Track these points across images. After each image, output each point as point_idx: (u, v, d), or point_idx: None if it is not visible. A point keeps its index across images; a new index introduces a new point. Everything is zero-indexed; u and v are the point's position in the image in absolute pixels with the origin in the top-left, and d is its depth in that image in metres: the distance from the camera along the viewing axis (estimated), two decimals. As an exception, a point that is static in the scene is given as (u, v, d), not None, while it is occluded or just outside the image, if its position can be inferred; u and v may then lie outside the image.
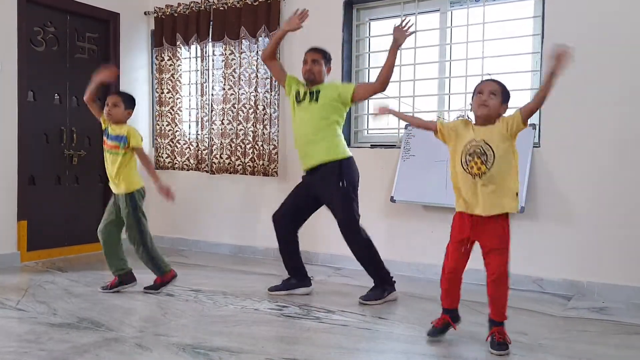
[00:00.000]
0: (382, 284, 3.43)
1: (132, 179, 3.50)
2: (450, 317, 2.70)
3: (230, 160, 4.85)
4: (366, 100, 4.50)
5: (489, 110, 2.52)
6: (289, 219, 3.57)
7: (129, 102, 3.59)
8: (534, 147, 3.71)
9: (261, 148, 4.69)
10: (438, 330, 2.69)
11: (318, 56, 3.47)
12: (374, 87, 3.38)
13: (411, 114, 2.85)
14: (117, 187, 3.49)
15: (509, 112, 2.61)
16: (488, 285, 2.56)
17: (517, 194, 2.54)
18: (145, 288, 3.51)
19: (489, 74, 3.97)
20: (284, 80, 3.64)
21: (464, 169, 2.55)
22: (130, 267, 3.58)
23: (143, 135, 5.35)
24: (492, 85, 2.56)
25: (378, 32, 4.55)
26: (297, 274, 3.61)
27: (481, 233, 2.56)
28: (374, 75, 4.55)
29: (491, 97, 2.52)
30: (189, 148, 5.12)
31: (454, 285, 2.68)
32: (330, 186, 3.38)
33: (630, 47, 3.47)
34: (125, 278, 3.54)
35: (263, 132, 4.67)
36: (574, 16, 3.62)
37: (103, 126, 3.61)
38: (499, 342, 2.49)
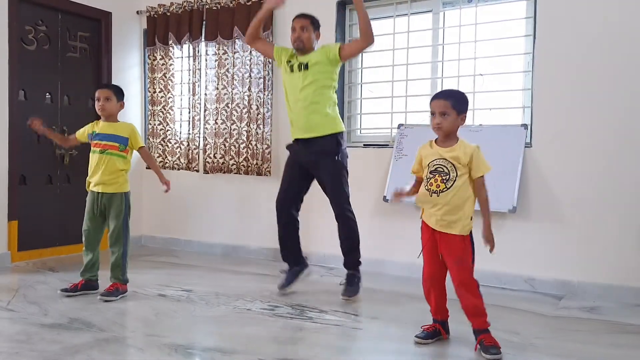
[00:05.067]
0: (354, 268, 3.47)
1: (127, 179, 3.47)
2: (441, 325, 2.68)
3: (224, 159, 4.84)
4: (359, 100, 4.53)
5: (444, 131, 2.53)
6: (291, 203, 3.58)
7: (120, 93, 3.51)
8: (525, 147, 3.73)
9: (255, 147, 4.68)
10: (427, 335, 2.64)
11: (306, 22, 3.42)
12: (360, 43, 3.35)
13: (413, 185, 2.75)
14: (109, 187, 3.39)
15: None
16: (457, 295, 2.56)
17: (471, 218, 2.52)
18: (102, 295, 3.31)
19: (481, 74, 3.99)
20: (272, 52, 3.63)
21: (424, 185, 2.57)
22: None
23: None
24: (442, 105, 2.52)
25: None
26: (297, 261, 3.62)
27: (442, 243, 2.55)
28: (367, 76, 4.56)
29: (444, 117, 2.50)
30: (180, 147, 5.11)
31: (435, 295, 2.64)
32: (326, 158, 3.40)
33: (622, 48, 3.49)
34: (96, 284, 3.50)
35: (256, 132, 4.67)
36: (566, 17, 3.64)
37: (87, 136, 3.51)
38: (489, 346, 2.45)
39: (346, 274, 3.49)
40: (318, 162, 3.43)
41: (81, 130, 3.57)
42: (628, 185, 3.48)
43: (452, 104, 2.50)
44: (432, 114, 2.55)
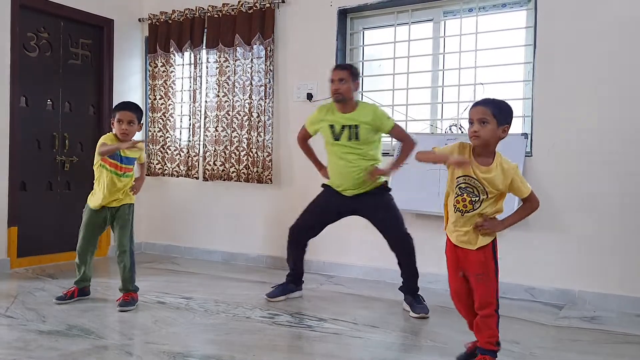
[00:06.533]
0: (415, 293, 3.40)
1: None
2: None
3: (225, 167, 4.84)
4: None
5: (481, 141, 2.30)
6: (309, 233, 3.60)
7: (141, 115, 3.41)
8: (525, 156, 3.73)
9: (255, 155, 4.68)
10: (467, 355, 2.48)
11: (345, 74, 3.36)
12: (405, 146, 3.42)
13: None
14: (122, 200, 3.37)
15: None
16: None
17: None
18: (121, 305, 3.26)
19: (482, 84, 4.00)
20: (310, 132, 3.62)
21: (452, 199, 2.41)
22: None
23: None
24: (481, 112, 2.29)
25: (372, 41, 4.57)
26: (297, 279, 3.68)
27: (464, 259, 2.40)
28: (367, 84, 4.57)
29: (482, 125, 2.28)
30: (179, 154, 5.11)
31: (465, 311, 2.49)
32: (382, 200, 3.42)
33: (622, 57, 3.50)
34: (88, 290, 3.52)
35: (257, 140, 4.67)
36: (565, 26, 3.65)
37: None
38: None
39: (412, 297, 3.38)
40: (371, 205, 3.42)
41: (106, 146, 3.24)
42: (629, 194, 3.48)
43: (492, 112, 2.28)
44: (470, 122, 2.33)
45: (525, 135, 3.76)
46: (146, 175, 5.23)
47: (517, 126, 3.95)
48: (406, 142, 3.43)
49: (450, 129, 4.15)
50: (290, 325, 3.04)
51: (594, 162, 3.57)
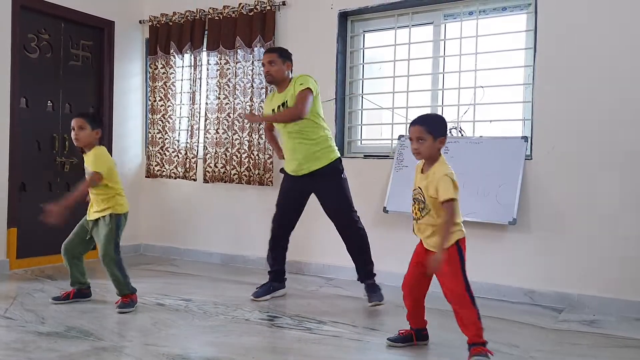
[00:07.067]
0: (368, 278, 3.56)
1: (118, 202, 3.33)
2: (415, 333, 2.76)
3: (226, 169, 4.84)
4: (360, 111, 4.54)
5: (422, 156, 2.55)
6: (285, 223, 3.67)
7: (95, 122, 3.34)
8: (525, 159, 3.73)
9: (257, 157, 4.69)
10: (398, 339, 2.74)
11: (273, 56, 3.50)
12: (290, 111, 3.42)
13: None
14: (102, 212, 3.30)
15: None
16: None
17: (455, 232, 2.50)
18: (119, 307, 3.26)
19: (482, 87, 4.00)
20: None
21: (412, 210, 2.64)
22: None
23: (136, 143, 5.38)
24: (418, 131, 2.51)
25: (372, 44, 4.58)
26: (279, 276, 3.73)
27: (429, 258, 2.54)
28: (368, 87, 4.58)
29: (419, 142, 2.51)
30: (177, 156, 5.11)
31: (410, 303, 2.72)
32: (332, 180, 3.51)
33: (622, 60, 3.51)
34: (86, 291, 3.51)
35: (258, 142, 4.67)
36: (566, 30, 3.66)
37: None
38: (477, 354, 2.41)
39: (366, 285, 3.56)
40: (322, 184, 3.52)
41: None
42: (628, 197, 3.48)
43: (426, 129, 2.50)
44: (410, 140, 2.56)
45: (525, 138, 3.76)
46: (145, 177, 5.27)
47: (517, 129, 3.95)
48: (293, 109, 3.38)
49: (450, 132, 4.15)
50: (290, 327, 3.04)
51: (594, 164, 3.57)
